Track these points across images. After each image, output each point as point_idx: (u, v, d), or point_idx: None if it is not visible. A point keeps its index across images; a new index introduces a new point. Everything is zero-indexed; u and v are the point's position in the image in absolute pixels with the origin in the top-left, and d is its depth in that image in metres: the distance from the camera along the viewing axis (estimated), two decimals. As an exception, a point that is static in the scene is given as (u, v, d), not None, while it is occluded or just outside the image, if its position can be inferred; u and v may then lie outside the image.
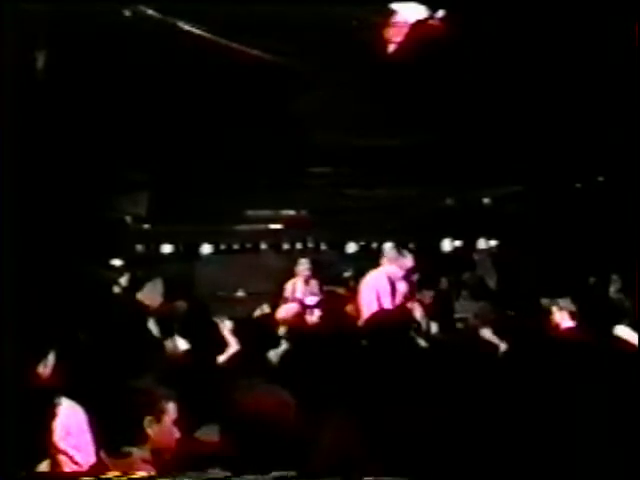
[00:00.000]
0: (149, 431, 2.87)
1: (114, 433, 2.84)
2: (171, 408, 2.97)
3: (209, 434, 2.98)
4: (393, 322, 3.59)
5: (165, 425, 2.93)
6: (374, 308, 6.75)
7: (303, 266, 9.67)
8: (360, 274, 7.82)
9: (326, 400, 2.89)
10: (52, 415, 2.99)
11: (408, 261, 7.42)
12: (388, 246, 7.56)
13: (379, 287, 7.08)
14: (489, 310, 6.96)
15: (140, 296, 7.54)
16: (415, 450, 2.63)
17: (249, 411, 2.56)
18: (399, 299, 7.10)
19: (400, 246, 7.66)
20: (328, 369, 3.51)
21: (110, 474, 2.62)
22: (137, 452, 2.83)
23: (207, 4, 5.47)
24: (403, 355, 2.93)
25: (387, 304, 6.94)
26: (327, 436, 2.73)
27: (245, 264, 12.56)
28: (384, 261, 7.36)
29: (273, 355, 4.59)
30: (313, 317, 7.05)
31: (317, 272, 9.73)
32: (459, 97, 7.00)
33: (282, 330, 5.72)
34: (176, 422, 2.97)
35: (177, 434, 2.97)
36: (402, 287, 7.26)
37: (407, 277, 7.37)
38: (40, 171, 6.30)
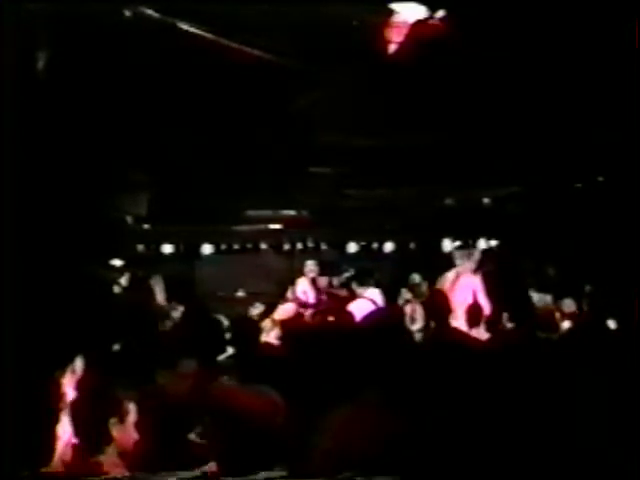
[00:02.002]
0: (114, 432, 2.88)
1: (82, 434, 2.84)
2: (132, 409, 2.98)
3: (202, 436, 2.98)
4: (389, 321, 3.60)
5: (128, 426, 2.94)
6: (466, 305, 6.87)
7: (309, 267, 9.71)
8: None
9: (322, 400, 2.90)
10: (57, 414, 3.00)
11: (477, 253, 7.56)
12: (453, 245, 7.68)
13: (475, 286, 7.20)
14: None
15: (152, 282, 7.60)
16: (412, 450, 2.63)
17: (237, 411, 2.56)
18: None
19: (463, 241, 7.78)
20: (324, 368, 3.52)
21: (112, 474, 2.63)
22: (104, 456, 2.84)
23: (207, 4, 5.47)
24: (400, 355, 2.93)
25: (484, 300, 7.04)
26: (325, 436, 2.74)
27: (245, 264, 12.55)
28: (458, 260, 7.45)
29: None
30: (311, 317, 7.04)
31: (324, 273, 9.77)
32: (459, 97, 7.00)
33: (278, 330, 5.72)
34: (137, 424, 2.98)
35: (137, 436, 2.97)
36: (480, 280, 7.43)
37: (479, 269, 7.50)
38: (40, 171, 6.30)
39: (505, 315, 6.46)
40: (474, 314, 6.50)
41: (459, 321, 6.37)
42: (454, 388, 3.04)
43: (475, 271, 7.38)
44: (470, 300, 7.01)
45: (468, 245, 7.66)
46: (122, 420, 2.94)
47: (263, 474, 2.37)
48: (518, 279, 9.93)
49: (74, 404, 3.00)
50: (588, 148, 8.40)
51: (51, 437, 2.84)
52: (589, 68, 6.44)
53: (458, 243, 7.61)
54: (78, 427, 2.88)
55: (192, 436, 3.09)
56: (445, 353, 4.27)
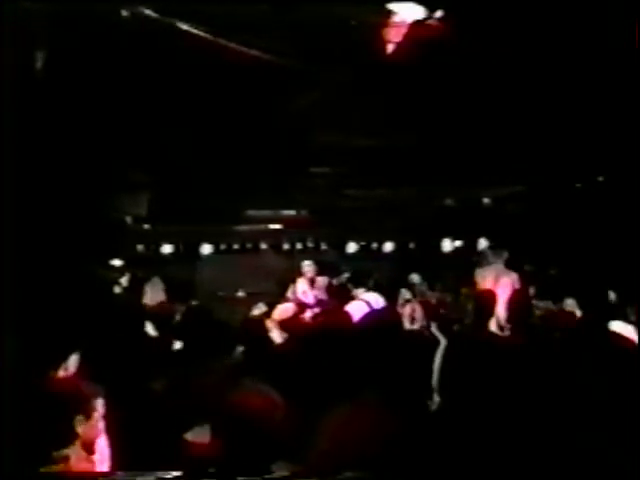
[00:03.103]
0: (79, 430, 2.92)
1: (46, 437, 2.85)
2: (99, 404, 3.03)
3: (200, 435, 2.99)
4: (388, 322, 3.60)
5: (94, 421, 2.99)
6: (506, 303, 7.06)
7: (307, 268, 9.71)
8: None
9: (321, 400, 2.90)
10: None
11: (506, 253, 7.91)
12: (484, 246, 8.09)
13: (514, 282, 7.50)
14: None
15: (146, 300, 7.59)
16: (413, 450, 2.63)
17: (238, 411, 2.56)
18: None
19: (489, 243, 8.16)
20: (322, 369, 3.52)
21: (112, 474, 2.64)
22: (68, 452, 2.87)
23: (206, 4, 5.47)
24: (399, 355, 2.94)
25: (521, 297, 7.34)
26: (323, 436, 2.74)
27: (245, 264, 12.57)
28: (492, 259, 7.75)
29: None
30: (309, 317, 7.03)
31: (322, 272, 9.77)
32: (459, 97, 7.00)
33: (277, 330, 5.71)
34: (104, 417, 3.03)
35: (103, 428, 3.03)
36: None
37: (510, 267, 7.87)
38: (40, 171, 6.30)
39: (503, 315, 6.50)
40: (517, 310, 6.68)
41: (501, 318, 6.51)
42: (455, 388, 3.05)
43: (508, 269, 7.73)
44: (509, 297, 7.24)
45: (499, 245, 7.99)
46: (88, 417, 2.97)
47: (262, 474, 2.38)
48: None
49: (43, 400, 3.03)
50: (588, 148, 8.40)
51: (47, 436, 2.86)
52: (589, 68, 6.43)
53: (488, 243, 7.98)
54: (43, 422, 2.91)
55: (189, 436, 3.10)
56: (449, 353, 4.28)
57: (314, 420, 2.83)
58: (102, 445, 3.16)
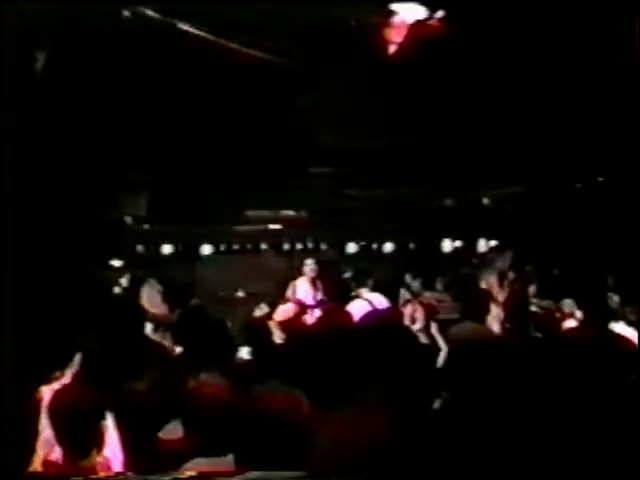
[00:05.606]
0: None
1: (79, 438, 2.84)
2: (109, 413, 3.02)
3: (173, 432, 2.99)
4: (389, 322, 3.60)
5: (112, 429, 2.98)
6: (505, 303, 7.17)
7: (308, 267, 9.70)
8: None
9: (324, 400, 2.90)
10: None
11: (510, 252, 8.20)
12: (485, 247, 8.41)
13: (512, 283, 7.72)
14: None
15: (143, 303, 7.57)
16: (415, 451, 2.63)
17: (259, 411, 2.55)
18: None
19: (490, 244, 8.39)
20: (324, 369, 3.52)
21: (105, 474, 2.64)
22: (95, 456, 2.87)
23: (206, 4, 5.47)
24: (401, 354, 2.94)
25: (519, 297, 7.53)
26: (326, 437, 2.73)
27: (245, 264, 12.57)
28: (493, 257, 8.00)
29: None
30: (312, 318, 7.03)
31: (323, 272, 9.77)
32: (459, 97, 7.00)
33: (279, 331, 5.71)
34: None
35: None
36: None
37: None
38: (40, 171, 6.30)
39: (502, 315, 6.52)
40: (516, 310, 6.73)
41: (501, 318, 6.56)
42: (456, 387, 3.04)
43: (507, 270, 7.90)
44: (508, 297, 7.28)
45: (504, 246, 8.12)
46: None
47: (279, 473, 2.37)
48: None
49: (60, 409, 3.01)
50: (588, 148, 8.40)
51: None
52: (589, 68, 6.44)
53: (494, 243, 8.11)
54: (65, 431, 2.89)
55: (161, 434, 3.10)
56: (451, 353, 4.27)
57: (317, 420, 2.82)
58: (113, 446, 3.15)
